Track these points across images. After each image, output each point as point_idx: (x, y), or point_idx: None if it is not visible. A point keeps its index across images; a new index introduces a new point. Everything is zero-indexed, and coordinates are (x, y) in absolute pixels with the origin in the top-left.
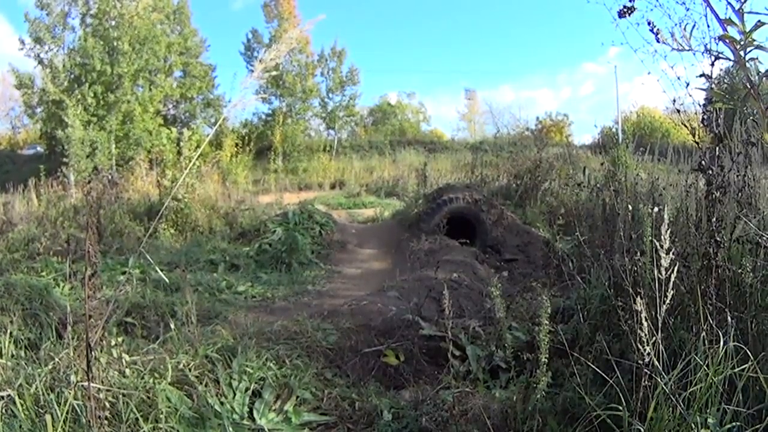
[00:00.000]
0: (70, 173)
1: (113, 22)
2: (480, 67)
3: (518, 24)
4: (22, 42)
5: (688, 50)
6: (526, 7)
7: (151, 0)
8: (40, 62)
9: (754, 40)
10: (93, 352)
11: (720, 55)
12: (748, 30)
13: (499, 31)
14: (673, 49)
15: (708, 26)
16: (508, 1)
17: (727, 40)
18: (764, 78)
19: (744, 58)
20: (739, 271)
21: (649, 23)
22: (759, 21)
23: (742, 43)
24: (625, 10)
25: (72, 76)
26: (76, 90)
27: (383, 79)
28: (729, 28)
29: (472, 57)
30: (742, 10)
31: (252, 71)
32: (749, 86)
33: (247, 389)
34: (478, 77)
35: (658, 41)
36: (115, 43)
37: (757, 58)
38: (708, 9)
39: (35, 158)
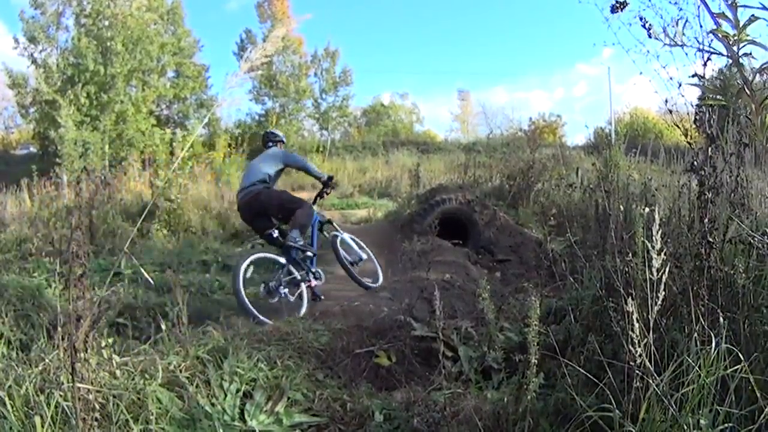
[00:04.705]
0: (63, 174)
1: (107, 22)
2: (473, 68)
3: (512, 25)
4: (17, 41)
5: (680, 46)
6: (520, 8)
7: (145, 0)
8: (34, 62)
9: (747, 35)
10: (81, 354)
11: (713, 52)
12: (741, 25)
13: (492, 32)
14: (664, 44)
15: (701, 26)
16: (501, 2)
17: (720, 35)
18: (758, 74)
19: (737, 53)
20: (732, 271)
21: (641, 19)
22: (753, 15)
23: (735, 38)
24: (618, 5)
25: (65, 76)
26: (69, 90)
27: (376, 79)
28: (722, 22)
29: (465, 58)
30: (735, 3)
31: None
32: (743, 82)
33: (238, 390)
34: (472, 78)
35: (650, 36)
36: (108, 44)
37: (750, 54)
38: (700, 8)
39: (28, 158)
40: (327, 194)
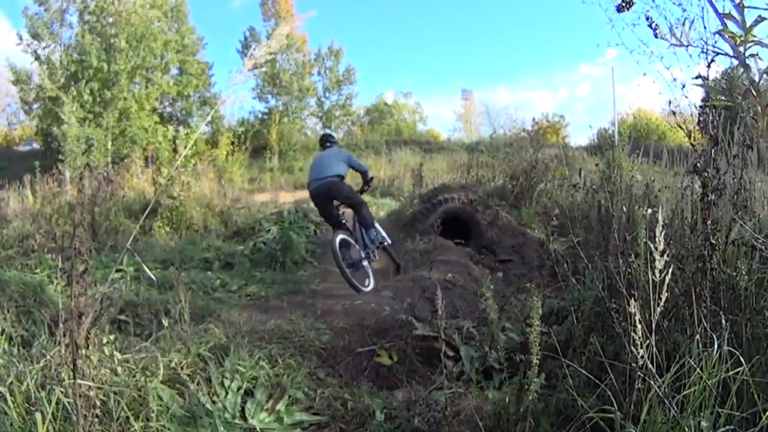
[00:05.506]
0: (66, 170)
1: (111, 19)
2: (477, 68)
3: (515, 25)
4: (20, 37)
5: (686, 46)
6: (523, 8)
7: None
8: (37, 58)
9: (754, 36)
10: (83, 350)
11: (719, 52)
12: (748, 25)
13: (496, 31)
14: (671, 44)
15: (705, 27)
16: (505, 2)
17: (727, 36)
18: (765, 75)
19: (744, 54)
20: (734, 274)
21: (647, 18)
22: (760, 16)
23: (741, 39)
24: (624, 4)
25: (68, 72)
26: (73, 87)
27: (380, 78)
28: (728, 23)
29: (469, 57)
30: (742, 4)
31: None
32: (749, 83)
33: (239, 388)
34: (475, 78)
35: (656, 36)
36: (112, 40)
37: (757, 54)
38: (705, 8)
39: (31, 155)
40: (365, 190)
